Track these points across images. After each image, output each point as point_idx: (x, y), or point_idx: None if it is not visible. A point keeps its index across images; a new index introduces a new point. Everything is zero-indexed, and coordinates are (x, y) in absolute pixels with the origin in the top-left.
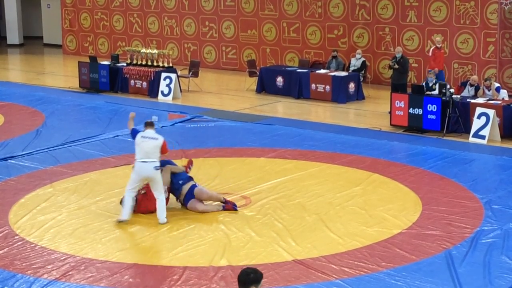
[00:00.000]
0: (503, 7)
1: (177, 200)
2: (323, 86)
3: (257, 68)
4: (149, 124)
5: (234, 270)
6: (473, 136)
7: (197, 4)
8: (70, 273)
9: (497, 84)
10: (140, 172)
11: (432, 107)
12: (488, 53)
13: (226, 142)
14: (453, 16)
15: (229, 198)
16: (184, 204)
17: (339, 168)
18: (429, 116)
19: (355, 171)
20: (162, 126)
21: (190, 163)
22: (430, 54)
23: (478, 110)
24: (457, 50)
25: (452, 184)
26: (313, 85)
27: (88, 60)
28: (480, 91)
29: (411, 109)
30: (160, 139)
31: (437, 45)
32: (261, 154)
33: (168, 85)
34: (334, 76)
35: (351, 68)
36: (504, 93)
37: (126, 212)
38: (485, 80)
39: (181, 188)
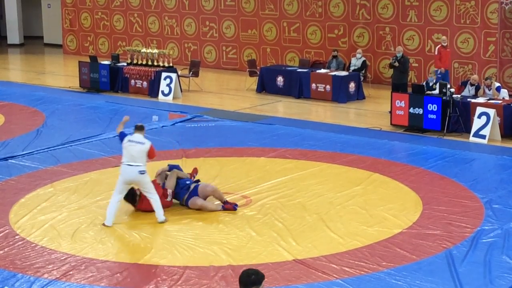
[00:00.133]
0: (503, 6)
1: (180, 203)
2: (324, 85)
3: (258, 67)
4: (139, 128)
5: (234, 270)
6: (473, 136)
7: (198, 3)
8: (70, 272)
9: (498, 84)
10: (124, 175)
11: (432, 107)
12: (489, 53)
13: (226, 141)
14: (453, 16)
15: (229, 198)
16: (186, 202)
17: (339, 168)
18: (430, 116)
19: (356, 170)
20: (163, 126)
21: (195, 171)
22: (436, 53)
23: (479, 109)
24: (457, 49)
25: (452, 183)
26: (313, 85)
27: (88, 60)
28: (481, 91)
29: (411, 108)
30: (147, 144)
31: (443, 44)
32: (262, 153)
33: (168, 85)
34: (335, 75)
35: (352, 68)
36: (504, 93)
37: (109, 219)
38: (486, 79)
39: (187, 187)
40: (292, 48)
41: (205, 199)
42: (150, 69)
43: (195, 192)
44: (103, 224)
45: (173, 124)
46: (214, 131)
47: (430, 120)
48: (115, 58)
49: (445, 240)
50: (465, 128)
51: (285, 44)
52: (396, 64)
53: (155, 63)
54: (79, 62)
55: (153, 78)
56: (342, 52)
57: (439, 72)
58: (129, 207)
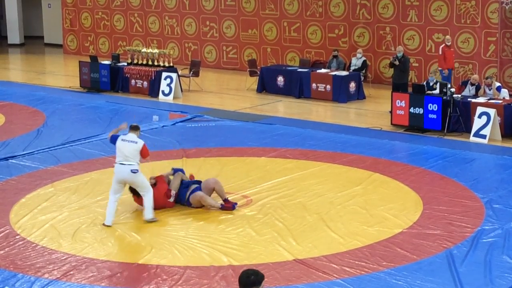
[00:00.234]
0: (503, 6)
1: (182, 203)
2: (324, 85)
3: (258, 67)
4: (133, 128)
5: (235, 270)
6: (474, 136)
7: (198, 3)
8: (71, 272)
9: (498, 84)
10: (117, 174)
11: (433, 107)
12: (489, 53)
13: (226, 141)
14: (453, 16)
15: (229, 198)
16: (188, 199)
17: (340, 168)
18: (430, 116)
19: (356, 170)
20: (163, 126)
21: (191, 178)
22: (440, 52)
23: (479, 109)
24: (457, 49)
25: (453, 183)
26: (313, 85)
27: (88, 59)
28: (481, 91)
29: (412, 108)
30: (140, 143)
31: (447, 43)
32: (262, 153)
33: (168, 85)
34: (335, 75)
35: (352, 68)
36: (505, 93)
37: (109, 218)
38: (486, 78)
39: (190, 185)
40: (292, 48)
41: (209, 195)
42: (150, 69)
43: (198, 188)
44: (103, 224)
45: (174, 124)
46: (215, 131)
47: (431, 120)
48: (116, 58)
49: (446, 240)
50: (466, 128)
51: (286, 44)
52: (396, 62)
53: (156, 63)
54: (80, 62)
55: (153, 78)
56: (342, 52)
57: (444, 73)
58: (130, 207)
